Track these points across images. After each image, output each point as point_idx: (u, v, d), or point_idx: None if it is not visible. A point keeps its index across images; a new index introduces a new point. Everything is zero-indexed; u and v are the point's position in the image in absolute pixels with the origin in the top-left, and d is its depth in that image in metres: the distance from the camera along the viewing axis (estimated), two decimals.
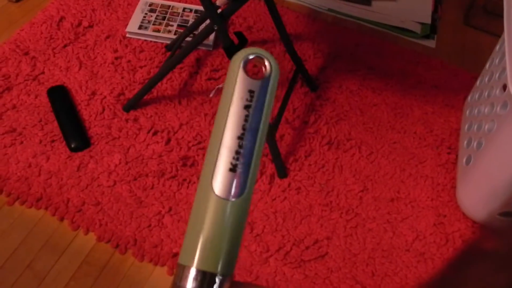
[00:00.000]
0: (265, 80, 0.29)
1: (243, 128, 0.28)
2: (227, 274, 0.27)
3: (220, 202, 0.27)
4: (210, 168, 0.28)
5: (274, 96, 0.29)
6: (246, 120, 0.28)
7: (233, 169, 0.28)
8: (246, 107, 0.28)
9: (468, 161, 1.19)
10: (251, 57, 0.29)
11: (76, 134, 1.23)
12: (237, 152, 0.28)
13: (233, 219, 0.28)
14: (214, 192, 0.28)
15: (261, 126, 0.29)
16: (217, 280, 0.27)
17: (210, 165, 0.28)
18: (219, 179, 0.28)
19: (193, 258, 0.27)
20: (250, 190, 0.28)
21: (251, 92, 0.29)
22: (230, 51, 1.11)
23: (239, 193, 0.28)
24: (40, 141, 1.22)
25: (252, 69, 0.30)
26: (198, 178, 1.19)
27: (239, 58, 0.29)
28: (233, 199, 0.28)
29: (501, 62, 1.17)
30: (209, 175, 0.28)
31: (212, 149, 0.28)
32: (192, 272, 0.27)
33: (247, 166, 0.28)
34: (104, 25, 1.52)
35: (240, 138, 0.28)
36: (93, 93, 1.34)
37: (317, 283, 1.07)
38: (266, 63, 0.30)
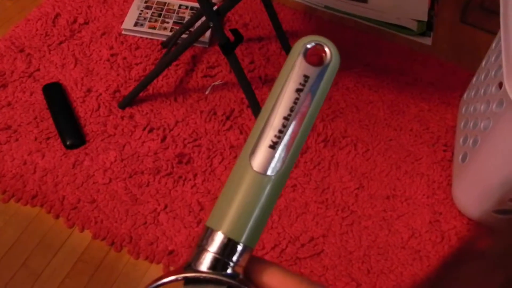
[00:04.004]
0: (323, 68, 0.30)
1: (291, 110, 0.29)
2: (249, 246, 0.28)
3: (255, 176, 0.28)
4: (252, 142, 0.29)
5: (329, 85, 0.30)
6: (295, 103, 0.29)
7: (273, 146, 0.28)
8: (298, 91, 0.29)
9: (464, 159, 1.19)
10: (312, 44, 0.30)
11: (71, 131, 1.23)
12: (280, 131, 0.29)
13: (266, 194, 0.28)
14: (251, 166, 0.28)
15: (310, 111, 0.29)
16: (239, 248, 0.28)
17: (252, 140, 0.29)
18: (258, 154, 0.28)
19: (222, 224, 0.28)
20: (286, 169, 0.29)
21: (305, 77, 0.29)
22: (226, 48, 1.10)
23: (275, 170, 0.28)
24: (36, 138, 1.22)
25: (313, 56, 0.30)
26: (193, 176, 1.19)
27: (300, 43, 0.30)
28: (268, 175, 0.28)
29: (497, 59, 1.17)
30: (249, 149, 0.29)
31: (257, 126, 0.29)
32: (219, 236, 0.28)
33: (287, 145, 0.29)
34: (100, 22, 1.51)
35: (285, 118, 0.29)
36: (89, 90, 1.33)
37: (312, 281, 1.07)
38: (327, 51, 0.30)
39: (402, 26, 1.66)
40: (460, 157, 1.22)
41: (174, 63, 1.41)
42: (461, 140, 1.26)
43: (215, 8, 1.08)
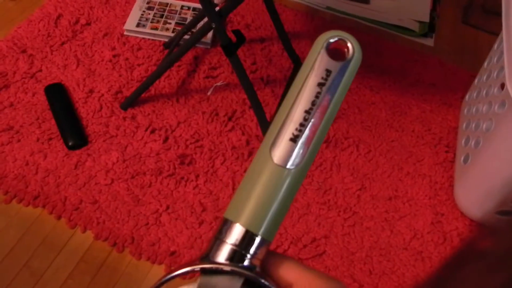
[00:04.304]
0: (345, 63, 0.30)
1: (312, 104, 0.29)
2: (267, 239, 0.28)
3: (275, 169, 0.28)
4: (272, 135, 0.29)
5: (351, 80, 0.30)
6: (317, 97, 0.29)
7: (293, 139, 0.28)
8: (320, 85, 0.29)
9: (466, 160, 1.19)
10: (335, 38, 0.30)
11: (73, 132, 1.23)
12: (301, 124, 0.29)
13: (285, 187, 0.28)
14: (271, 158, 0.28)
15: (331, 105, 0.29)
16: (256, 241, 0.28)
17: (272, 133, 0.29)
18: (279, 147, 0.28)
19: (240, 216, 0.28)
20: (306, 163, 0.29)
21: (328, 71, 0.29)
22: (228, 49, 1.10)
23: (295, 163, 0.28)
24: (38, 139, 1.22)
25: (336, 50, 0.30)
26: (195, 176, 1.19)
27: (323, 38, 0.30)
28: (289, 168, 0.28)
29: (499, 60, 1.17)
30: (269, 141, 0.29)
31: (278, 118, 0.29)
32: (237, 228, 0.28)
33: (308, 139, 0.29)
34: (102, 22, 1.51)
35: (307, 112, 0.29)
36: (91, 91, 1.33)
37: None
38: (350, 47, 0.30)
39: (404, 27, 1.66)
40: (462, 158, 1.21)
41: (176, 64, 1.41)
42: (463, 141, 1.26)
43: (217, 9, 1.08)
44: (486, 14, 1.65)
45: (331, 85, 0.29)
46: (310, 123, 0.29)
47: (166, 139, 1.25)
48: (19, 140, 1.21)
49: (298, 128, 0.28)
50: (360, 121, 1.36)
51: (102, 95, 1.33)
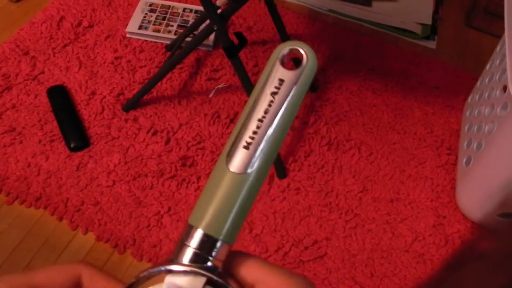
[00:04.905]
0: (298, 71, 0.31)
1: (265, 112, 0.30)
2: (228, 242, 0.30)
3: (231, 175, 0.30)
4: (229, 143, 0.31)
5: (306, 87, 0.31)
6: (269, 105, 0.30)
7: (247, 146, 0.30)
8: (273, 94, 0.31)
9: (468, 162, 1.19)
10: (288, 48, 0.31)
11: (75, 134, 1.23)
12: (254, 132, 0.30)
13: (242, 193, 0.30)
14: (227, 166, 0.30)
15: (283, 112, 0.30)
16: (218, 244, 0.29)
17: (230, 141, 0.31)
18: (234, 155, 0.30)
19: (201, 221, 0.30)
20: (260, 169, 0.30)
21: (281, 80, 0.31)
22: (230, 52, 1.10)
23: (249, 170, 0.30)
24: (40, 141, 1.22)
25: (291, 60, 0.32)
26: (197, 178, 1.19)
27: (278, 49, 0.32)
28: (243, 174, 0.30)
29: (501, 63, 1.17)
30: (226, 150, 0.30)
31: (235, 128, 0.31)
32: (198, 233, 0.30)
33: (260, 146, 0.30)
34: (104, 25, 1.52)
35: (260, 120, 0.30)
36: (93, 93, 1.33)
37: (316, 284, 1.07)
38: (303, 54, 0.31)
39: (406, 30, 1.66)
40: (464, 160, 1.21)
41: (178, 66, 1.42)
42: (465, 143, 1.26)
43: (219, 11, 1.08)
44: (488, 16, 1.65)
45: (284, 93, 0.31)
46: (262, 130, 0.30)
47: (168, 141, 1.25)
48: (21, 142, 1.22)
49: (251, 135, 0.30)
50: (362, 123, 1.36)
51: (104, 97, 1.33)
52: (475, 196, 1.16)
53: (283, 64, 0.31)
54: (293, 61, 0.32)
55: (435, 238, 1.16)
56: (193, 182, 1.19)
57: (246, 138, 0.30)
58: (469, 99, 1.39)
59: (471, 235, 1.17)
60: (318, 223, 1.16)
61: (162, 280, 0.30)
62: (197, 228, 0.30)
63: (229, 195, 0.30)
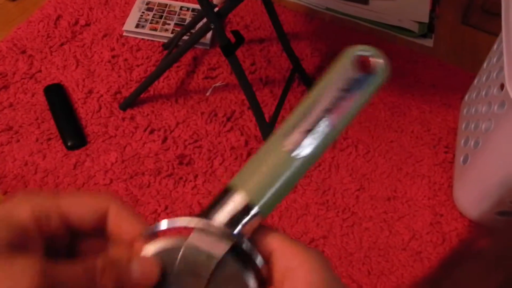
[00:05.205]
0: (370, 75, 0.33)
1: (332, 105, 0.32)
2: (262, 213, 0.31)
3: (283, 154, 0.31)
4: (288, 124, 0.32)
5: (372, 93, 0.33)
6: (337, 99, 0.32)
7: (306, 132, 0.31)
8: (342, 90, 0.32)
9: (465, 160, 1.19)
10: (362, 53, 0.33)
11: (72, 132, 1.23)
12: (316, 120, 0.32)
13: (289, 171, 0.31)
14: (283, 145, 0.31)
15: (349, 111, 0.32)
16: (252, 212, 0.30)
17: (289, 122, 0.32)
18: (291, 136, 0.31)
19: (244, 186, 0.31)
20: (310, 157, 0.32)
21: (352, 80, 0.32)
22: (227, 50, 1.10)
23: (301, 153, 0.31)
24: (37, 139, 1.22)
25: (363, 63, 0.33)
26: (194, 177, 1.19)
27: (353, 49, 0.33)
28: (294, 156, 0.31)
29: (498, 61, 1.17)
30: (284, 129, 0.32)
31: (298, 110, 0.32)
32: (238, 196, 0.30)
33: (319, 135, 0.32)
34: (101, 23, 1.51)
35: (325, 111, 0.32)
36: (90, 92, 1.33)
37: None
38: (377, 61, 0.33)
39: (403, 28, 1.66)
40: (461, 158, 1.21)
41: (175, 64, 1.41)
42: (462, 141, 1.26)
43: (216, 9, 1.08)
44: (485, 14, 1.65)
45: (353, 92, 0.32)
46: (326, 122, 0.31)
47: (165, 140, 1.25)
48: (18, 140, 1.21)
49: (313, 123, 0.31)
50: (359, 121, 1.36)
51: (101, 95, 1.33)
52: (473, 194, 1.16)
53: (355, 64, 0.32)
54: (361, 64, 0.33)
55: (432, 236, 1.16)
56: (190, 181, 1.19)
57: (306, 124, 0.31)
58: (466, 97, 1.39)
59: (468, 233, 1.17)
60: (315, 221, 1.16)
61: (188, 234, 0.30)
62: (238, 191, 0.30)
63: (278, 170, 0.31)
